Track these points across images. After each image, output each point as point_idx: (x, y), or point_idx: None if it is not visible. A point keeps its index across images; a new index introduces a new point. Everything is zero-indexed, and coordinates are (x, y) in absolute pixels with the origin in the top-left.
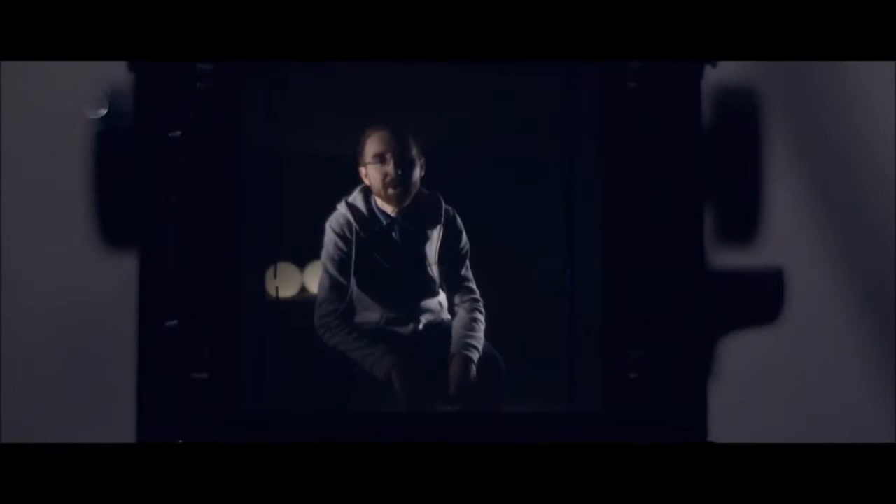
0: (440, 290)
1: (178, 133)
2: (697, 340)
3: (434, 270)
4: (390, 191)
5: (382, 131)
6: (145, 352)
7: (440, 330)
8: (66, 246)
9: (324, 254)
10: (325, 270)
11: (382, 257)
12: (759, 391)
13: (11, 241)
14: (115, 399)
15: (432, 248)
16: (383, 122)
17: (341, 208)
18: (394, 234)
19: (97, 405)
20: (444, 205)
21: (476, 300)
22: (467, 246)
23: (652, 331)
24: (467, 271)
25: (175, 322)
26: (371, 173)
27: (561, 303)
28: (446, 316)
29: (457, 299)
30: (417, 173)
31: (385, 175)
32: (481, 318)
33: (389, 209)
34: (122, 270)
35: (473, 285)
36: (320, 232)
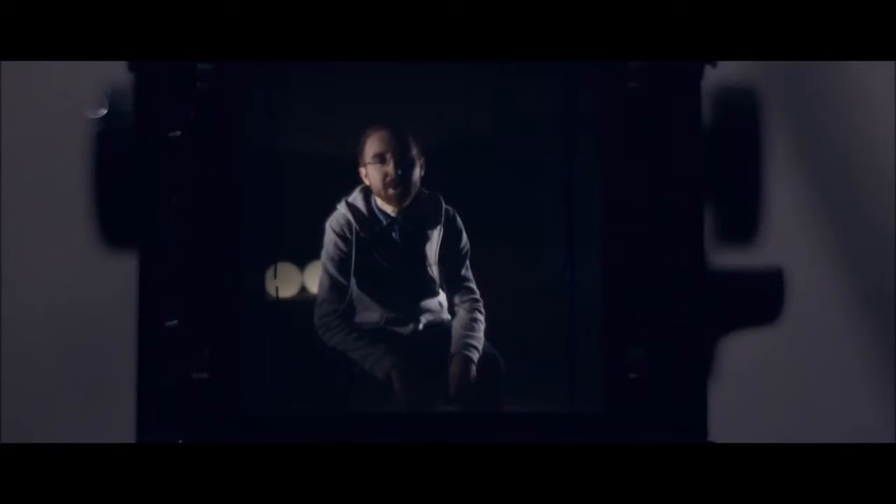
0: (440, 290)
1: (178, 133)
2: (697, 340)
3: (434, 270)
4: (390, 191)
5: (382, 131)
6: (145, 352)
7: (440, 330)
8: (66, 246)
9: (324, 254)
10: (325, 270)
11: (382, 257)
12: (759, 391)
13: (11, 241)
14: (115, 399)
15: (432, 248)
16: (383, 122)
17: (341, 208)
18: (394, 234)
19: (97, 405)
20: (444, 205)
21: (476, 300)
22: (467, 246)
23: (652, 331)
24: (467, 271)
25: (175, 322)
26: (371, 173)
27: (561, 303)
28: (446, 316)
29: (457, 299)
30: (417, 173)
31: (385, 175)
32: (481, 318)
33: (389, 209)
34: (122, 270)
35: (473, 285)
36: (320, 232)
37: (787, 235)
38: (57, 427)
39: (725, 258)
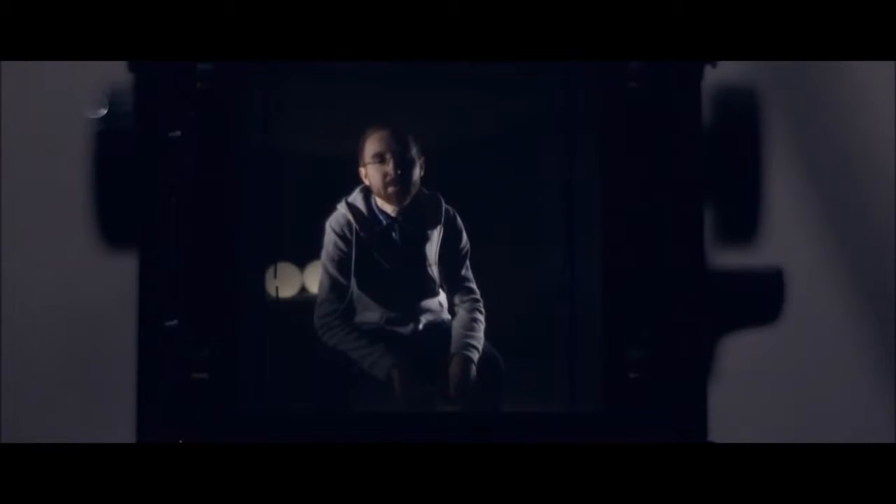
0: (440, 290)
1: (178, 133)
2: (697, 340)
3: (434, 270)
4: (390, 190)
5: (382, 131)
6: (145, 352)
7: (440, 330)
8: (66, 246)
9: (324, 254)
10: (325, 270)
11: (382, 257)
12: (759, 391)
13: (11, 241)
14: (115, 399)
15: (432, 248)
16: (383, 122)
17: (341, 208)
18: (394, 234)
19: (97, 405)
20: (444, 205)
21: (476, 300)
22: (467, 246)
23: (652, 331)
24: (467, 271)
25: (175, 322)
26: (371, 173)
27: (561, 303)
28: (446, 316)
29: (457, 299)
30: (417, 173)
31: (385, 175)
32: (481, 318)
33: (389, 209)
34: (122, 270)
35: (473, 285)
36: (320, 232)
37: (787, 235)
38: (57, 427)
39: (725, 258)
